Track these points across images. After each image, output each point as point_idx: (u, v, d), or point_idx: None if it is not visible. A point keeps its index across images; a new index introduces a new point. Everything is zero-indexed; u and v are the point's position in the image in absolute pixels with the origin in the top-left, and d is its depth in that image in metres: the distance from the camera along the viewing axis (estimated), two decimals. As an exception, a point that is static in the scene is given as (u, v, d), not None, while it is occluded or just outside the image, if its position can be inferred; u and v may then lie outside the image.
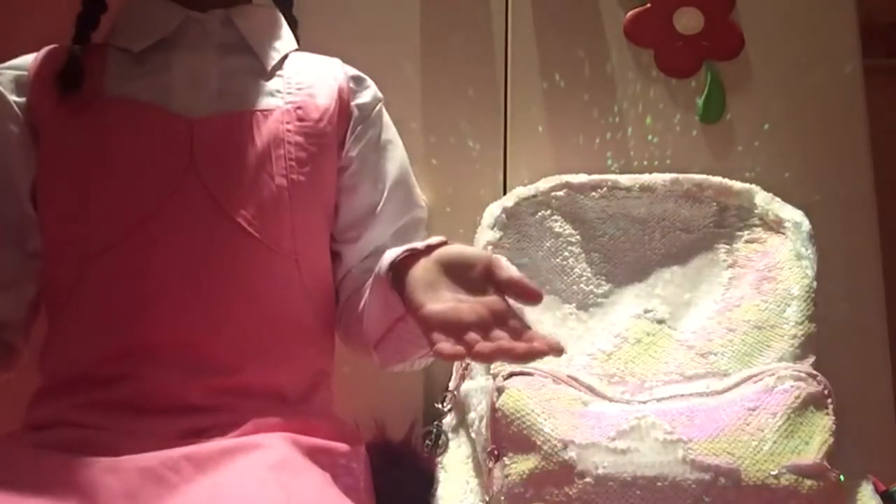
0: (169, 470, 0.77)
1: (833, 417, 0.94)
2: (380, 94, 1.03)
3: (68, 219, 0.91)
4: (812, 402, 0.95)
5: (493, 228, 1.10)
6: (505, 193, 1.20)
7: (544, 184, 1.14)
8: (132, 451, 0.80)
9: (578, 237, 1.12)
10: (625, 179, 1.15)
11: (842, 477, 0.91)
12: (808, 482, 0.89)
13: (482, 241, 1.09)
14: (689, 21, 1.25)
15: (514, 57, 1.26)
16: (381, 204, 0.99)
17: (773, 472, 0.89)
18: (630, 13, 1.26)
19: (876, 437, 1.15)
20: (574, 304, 1.09)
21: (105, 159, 0.91)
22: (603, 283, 1.11)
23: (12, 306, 0.93)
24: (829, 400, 0.95)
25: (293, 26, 1.07)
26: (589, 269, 1.11)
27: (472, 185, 1.23)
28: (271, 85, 0.97)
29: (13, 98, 0.93)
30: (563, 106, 1.25)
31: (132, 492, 0.76)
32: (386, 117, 1.03)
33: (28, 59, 0.96)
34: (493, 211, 1.12)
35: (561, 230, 1.11)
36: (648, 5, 1.26)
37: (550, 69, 1.26)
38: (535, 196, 1.13)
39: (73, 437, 0.84)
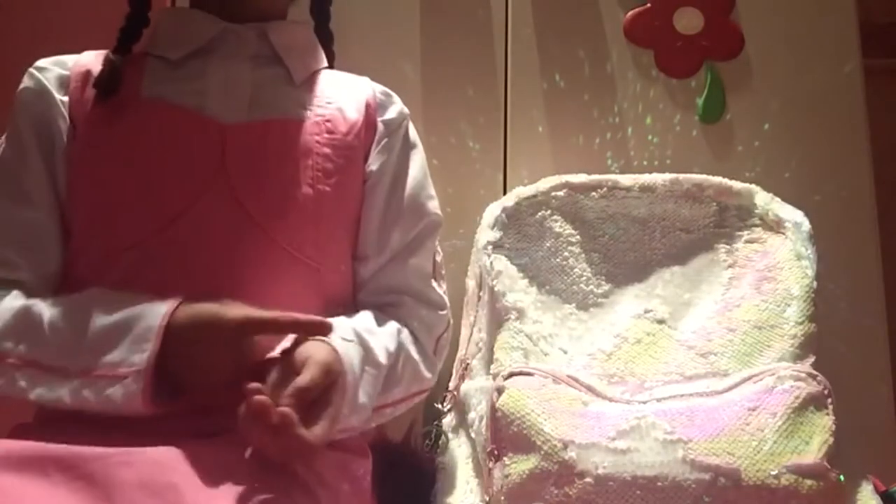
0: (182, 463, 0.78)
1: (833, 417, 0.94)
2: (406, 111, 1.05)
3: (97, 215, 0.92)
4: (812, 402, 0.94)
5: (493, 228, 1.10)
6: (505, 193, 1.20)
7: (544, 184, 1.14)
8: (140, 452, 0.80)
9: (578, 237, 1.12)
10: (625, 179, 1.15)
11: (842, 477, 0.91)
12: (808, 482, 0.89)
13: (482, 241, 1.09)
14: (689, 21, 1.25)
15: (514, 57, 1.26)
16: (389, 222, 1.00)
17: (773, 472, 0.89)
18: (630, 13, 1.26)
19: (876, 437, 1.15)
20: (574, 304, 1.09)
21: (137, 158, 0.92)
22: (603, 283, 1.11)
23: (34, 266, 0.93)
24: (829, 400, 0.95)
25: (329, 40, 1.09)
26: (589, 269, 1.11)
27: (472, 185, 1.23)
28: (302, 97, 0.99)
29: (58, 96, 0.95)
30: (563, 106, 1.25)
31: (146, 483, 0.76)
32: (411, 133, 1.05)
33: (71, 59, 0.98)
34: (493, 211, 1.12)
35: (561, 230, 1.11)
36: (648, 5, 1.26)
37: (550, 69, 1.26)
38: (535, 196, 1.13)
39: (83, 431, 0.84)
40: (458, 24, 1.26)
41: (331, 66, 1.07)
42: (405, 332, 0.97)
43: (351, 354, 0.86)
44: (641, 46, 1.26)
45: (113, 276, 0.90)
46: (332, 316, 0.95)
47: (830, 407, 0.95)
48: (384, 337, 0.93)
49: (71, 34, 1.07)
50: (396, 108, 1.04)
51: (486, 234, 1.10)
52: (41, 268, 0.93)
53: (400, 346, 0.95)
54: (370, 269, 0.99)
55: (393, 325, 0.96)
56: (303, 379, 0.79)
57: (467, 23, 1.27)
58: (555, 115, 1.25)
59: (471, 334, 1.10)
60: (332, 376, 0.82)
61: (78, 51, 1.00)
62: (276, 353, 0.84)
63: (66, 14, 1.45)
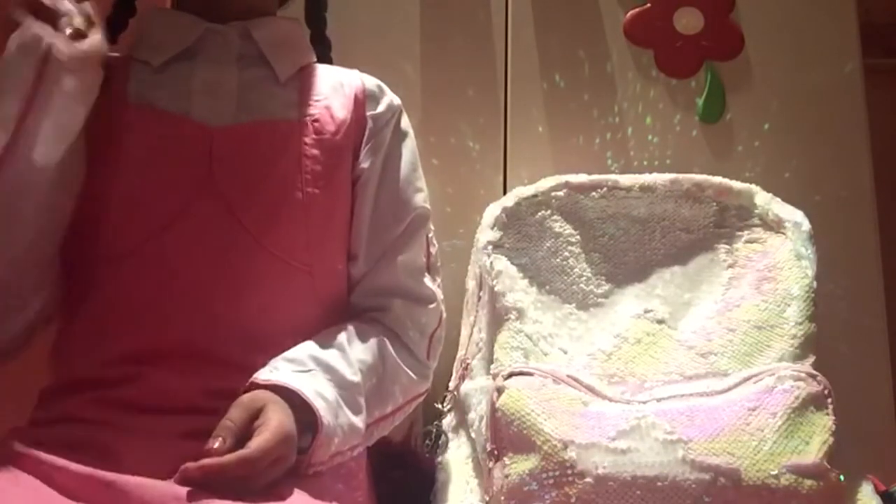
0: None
1: (833, 417, 0.94)
2: (396, 102, 1.03)
3: (88, 223, 0.91)
4: (812, 402, 0.94)
5: (493, 228, 1.10)
6: (505, 193, 1.20)
7: (544, 184, 1.14)
8: (133, 452, 0.81)
9: (578, 237, 1.12)
10: (625, 179, 1.15)
11: (842, 477, 0.91)
12: (808, 482, 0.89)
13: (482, 241, 1.09)
14: (689, 21, 1.25)
15: (514, 57, 1.26)
16: (377, 221, 0.99)
17: (773, 472, 0.89)
18: (630, 13, 1.26)
19: (876, 437, 1.15)
20: (574, 304, 1.09)
21: (125, 167, 0.91)
22: (603, 283, 1.11)
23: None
24: (829, 400, 0.95)
25: (327, 48, 1.09)
26: (589, 269, 1.11)
27: (472, 185, 1.23)
28: (289, 97, 0.98)
29: None
30: (563, 106, 1.25)
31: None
32: (402, 124, 1.03)
33: None
34: (493, 211, 1.12)
35: (561, 230, 1.11)
36: (648, 5, 1.26)
37: (550, 69, 1.26)
38: (535, 196, 1.13)
39: (75, 434, 0.84)
40: (458, 25, 1.26)
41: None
42: (389, 342, 0.95)
43: (311, 383, 0.86)
44: (641, 46, 1.26)
45: (103, 287, 0.90)
46: (328, 319, 0.96)
47: (830, 407, 0.95)
48: (360, 352, 0.92)
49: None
50: (386, 100, 1.02)
51: (486, 234, 1.10)
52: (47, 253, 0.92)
53: (382, 358, 0.94)
54: (361, 269, 0.98)
55: (374, 338, 0.94)
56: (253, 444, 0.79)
57: (467, 23, 1.27)
58: (555, 115, 1.25)
59: (471, 334, 1.10)
60: (254, 406, 0.82)
61: None
62: None
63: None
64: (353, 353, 0.91)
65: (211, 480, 0.76)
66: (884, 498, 0.98)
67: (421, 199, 1.02)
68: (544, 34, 1.26)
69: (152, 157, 0.92)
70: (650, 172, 1.16)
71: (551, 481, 0.89)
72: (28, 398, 0.93)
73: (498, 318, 1.05)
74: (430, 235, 1.03)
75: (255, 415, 0.81)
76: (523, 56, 1.26)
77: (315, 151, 0.95)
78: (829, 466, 0.90)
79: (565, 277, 1.10)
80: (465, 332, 1.12)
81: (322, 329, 0.94)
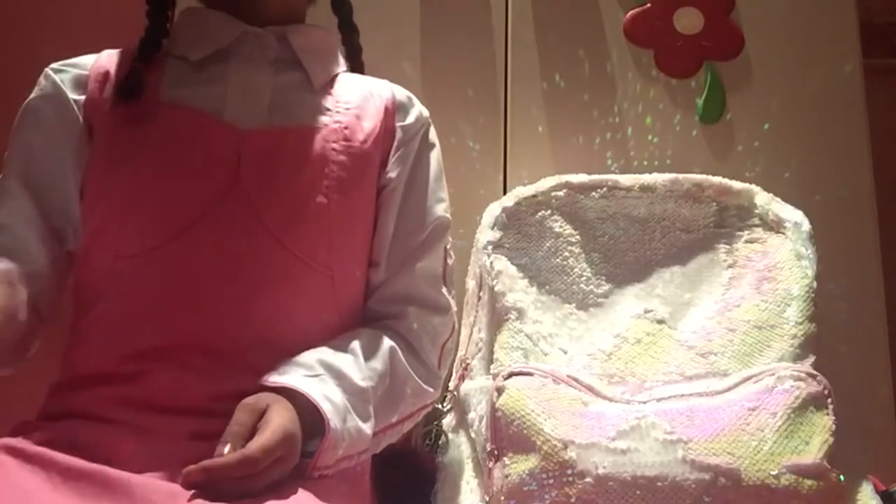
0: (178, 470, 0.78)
1: (833, 417, 0.94)
2: (426, 114, 1.04)
3: (111, 218, 0.91)
4: (812, 402, 0.95)
5: (493, 228, 1.10)
6: (505, 193, 1.20)
7: (544, 184, 1.14)
8: (140, 451, 0.82)
9: (578, 237, 1.12)
10: (625, 179, 1.15)
11: (842, 477, 0.91)
12: (808, 482, 0.89)
13: (482, 241, 1.09)
14: (689, 21, 1.26)
15: (514, 57, 1.26)
16: (401, 229, 0.99)
17: (773, 472, 0.89)
18: (630, 13, 1.26)
19: (876, 437, 1.15)
20: (574, 304, 1.09)
21: (153, 162, 0.91)
22: (603, 283, 1.11)
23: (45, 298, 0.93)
24: (829, 400, 0.95)
25: (357, 53, 1.09)
26: (589, 269, 1.11)
27: (472, 185, 1.23)
28: (321, 104, 0.98)
29: (73, 96, 0.94)
30: (563, 106, 1.25)
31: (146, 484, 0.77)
32: (430, 136, 1.04)
33: (89, 60, 0.97)
34: (493, 211, 1.12)
35: (561, 230, 1.11)
36: (648, 5, 1.26)
37: (550, 69, 1.26)
38: (535, 196, 1.13)
39: (82, 431, 0.85)
40: (458, 24, 1.27)
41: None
42: (400, 350, 0.95)
43: (320, 387, 0.86)
44: (641, 46, 1.26)
45: (122, 281, 0.90)
46: (344, 325, 0.96)
47: (830, 407, 0.95)
48: (371, 359, 0.92)
49: (72, 32, 1.07)
50: (416, 112, 1.03)
51: (486, 234, 1.10)
52: (61, 246, 0.94)
53: (393, 365, 0.94)
54: (381, 276, 0.99)
55: (385, 345, 0.94)
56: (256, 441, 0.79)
57: (467, 23, 1.27)
58: (555, 115, 1.25)
59: (471, 334, 1.10)
60: (258, 407, 0.82)
61: (79, 50, 0.99)
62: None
63: (67, 12, 1.44)
64: (363, 359, 0.92)
65: (213, 481, 0.76)
66: (884, 498, 0.98)
67: (442, 208, 1.02)
68: (544, 34, 1.26)
69: (181, 154, 0.92)
70: (650, 172, 1.17)
71: (551, 481, 0.89)
72: (39, 391, 0.93)
73: (498, 318, 1.05)
74: (448, 247, 1.03)
75: (260, 416, 0.81)
76: (523, 56, 1.26)
77: (342, 158, 0.96)
78: (829, 466, 0.90)
79: (565, 277, 1.10)
80: (465, 332, 1.12)
81: (338, 335, 0.94)
